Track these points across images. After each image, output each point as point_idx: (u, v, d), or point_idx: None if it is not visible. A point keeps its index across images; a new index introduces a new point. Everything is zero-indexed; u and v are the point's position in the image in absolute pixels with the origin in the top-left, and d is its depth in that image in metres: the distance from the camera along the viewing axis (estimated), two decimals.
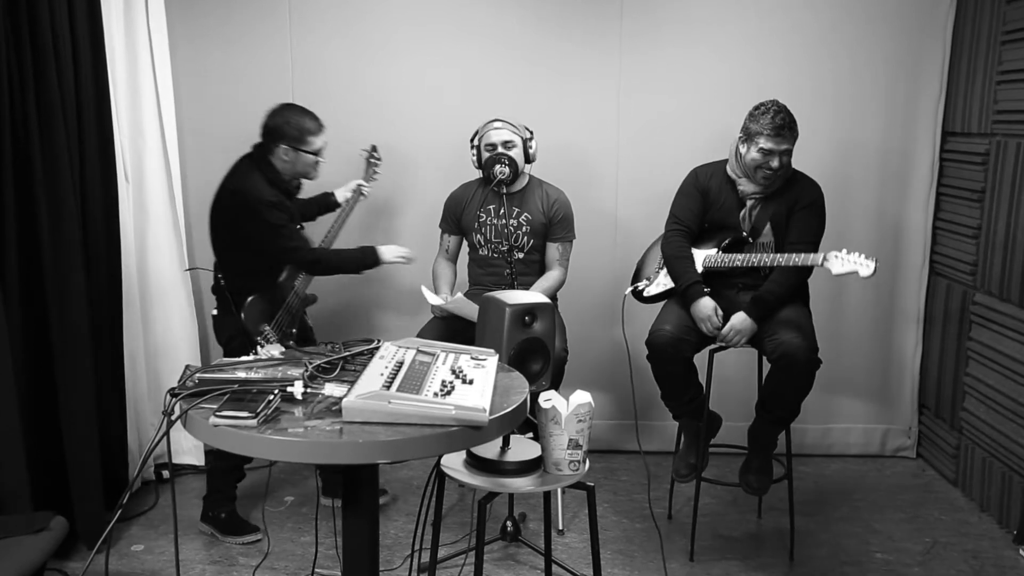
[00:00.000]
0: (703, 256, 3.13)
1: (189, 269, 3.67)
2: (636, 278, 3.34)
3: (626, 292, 3.31)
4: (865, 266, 2.82)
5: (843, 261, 2.85)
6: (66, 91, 2.96)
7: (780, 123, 2.97)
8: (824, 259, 2.88)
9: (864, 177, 3.91)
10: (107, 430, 3.24)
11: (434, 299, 3.31)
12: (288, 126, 3.10)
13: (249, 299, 3.15)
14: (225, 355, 3.27)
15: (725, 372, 3.69)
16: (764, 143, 2.98)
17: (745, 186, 3.10)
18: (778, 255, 3.00)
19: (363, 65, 3.90)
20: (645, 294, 3.24)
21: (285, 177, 3.17)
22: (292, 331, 3.26)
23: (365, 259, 3.25)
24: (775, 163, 3.00)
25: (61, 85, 2.92)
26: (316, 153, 3.14)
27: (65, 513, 3.01)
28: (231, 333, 3.17)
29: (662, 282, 3.20)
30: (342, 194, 3.52)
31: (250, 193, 3.07)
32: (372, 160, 3.63)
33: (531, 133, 3.42)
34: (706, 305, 3.06)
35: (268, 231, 3.07)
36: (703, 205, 3.19)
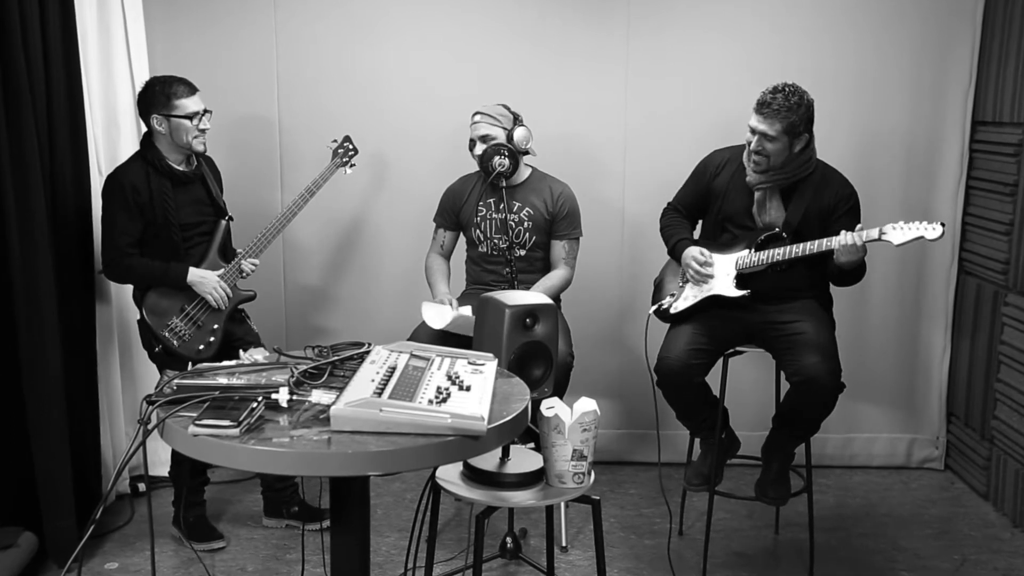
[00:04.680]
0: (734, 259, 3.07)
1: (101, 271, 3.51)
2: (657, 298, 3.31)
3: (649, 312, 3.26)
4: (931, 229, 2.71)
5: (903, 231, 2.75)
6: (35, 77, 2.95)
7: (762, 99, 2.92)
8: (881, 232, 2.77)
9: (889, 169, 3.91)
10: (79, 440, 3.23)
11: (435, 320, 3.26)
12: (153, 93, 3.13)
13: (148, 294, 3.17)
14: (151, 359, 3.28)
15: (740, 381, 3.69)
16: (750, 120, 2.97)
17: (750, 173, 3.05)
18: (825, 240, 2.86)
19: (354, 49, 3.90)
20: (672, 311, 3.16)
21: (170, 156, 3.18)
22: (214, 327, 3.23)
23: (166, 276, 3.17)
24: (754, 144, 2.96)
25: (30, 70, 2.91)
26: (191, 118, 3.13)
27: (34, 528, 3.03)
28: (146, 336, 3.21)
29: (689, 295, 3.15)
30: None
31: (114, 173, 3.16)
32: (340, 151, 3.56)
33: (516, 123, 3.40)
34: (690, 249, 3.11)
35: (104, 206, 3.15)
36: (706, 191, 3.19)
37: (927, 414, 4.10)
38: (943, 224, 2.74)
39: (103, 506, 2.05)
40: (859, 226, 2.83)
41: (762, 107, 2.92)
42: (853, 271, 2.95)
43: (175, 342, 3.15)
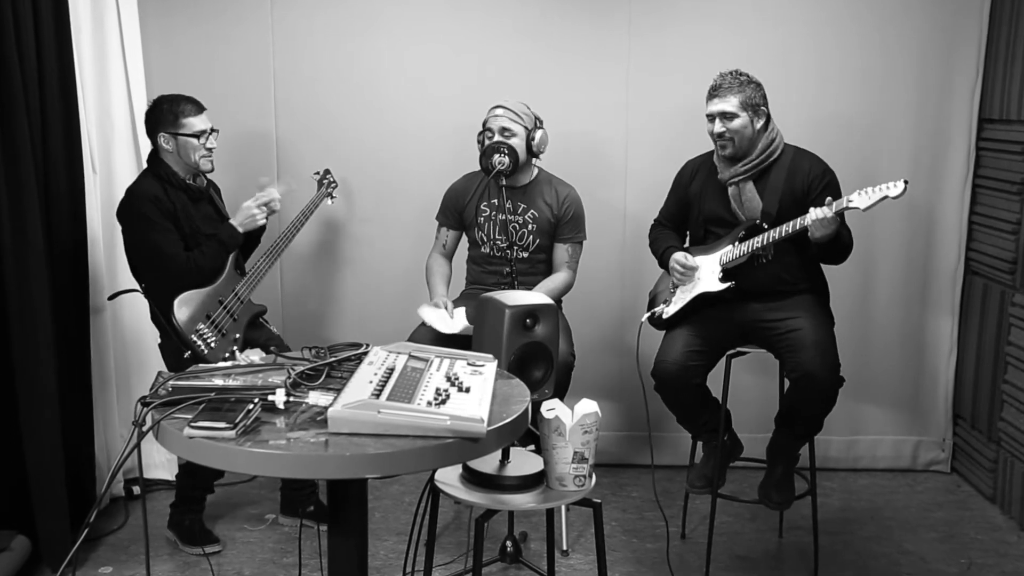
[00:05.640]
0: (718, 256, 3.11)
1: (112, 296, 3.37)
2: (651, 307, 3.32)
3: (642, 320, 3.28)
4: (893, 186, 2.79)
5: (868, 195, 2.82)
6: (28, 74, 2.95)
7: (713, 85, 3.07)
8: (848, 201, 2.84)
9: (894, 167, 3.90)
10: (73, 442, 3.23)
11: (442, 325, 3.26)
12: (161, 112, 3.15)
13: (176, 302, 3.15)
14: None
15: (743, 383, 3.69)
16: (706, 109, 3.08)
17: (722, 171, 3.13)
18: (799, 219, 2.91)
19: (352, 47, 3.90)
20: (664, 316, 3.20)
21: (179, 172, 3.19)
22: (236, 337, 3.25)
23: (224, 245, 3.21)
24: (717, 127, 3.05)
25: (23, 67, 2.91)
26: (198, 136, 3.14)
27: (27, 532, 3.03)
28: (176, 353, 3.18)
29: (679, 299, 3.18)
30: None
31: (131, 189, 3.16)
32: (324, 182, 3.69)
33: (538, 123, 3.41)
34: (674, 254, 3.18)
35: (139, 225, 3.13)
36: (685, 199, 3.28)
37: (933, 416, 4.10)
38: (906, 181, 2.79)
39: (97, 509, 2.04)
40: (828, 198, 2.88)
41: (715, 91, 3.07)
42: (835, 246, 2.98)
43: (204, 348, 3.15)
